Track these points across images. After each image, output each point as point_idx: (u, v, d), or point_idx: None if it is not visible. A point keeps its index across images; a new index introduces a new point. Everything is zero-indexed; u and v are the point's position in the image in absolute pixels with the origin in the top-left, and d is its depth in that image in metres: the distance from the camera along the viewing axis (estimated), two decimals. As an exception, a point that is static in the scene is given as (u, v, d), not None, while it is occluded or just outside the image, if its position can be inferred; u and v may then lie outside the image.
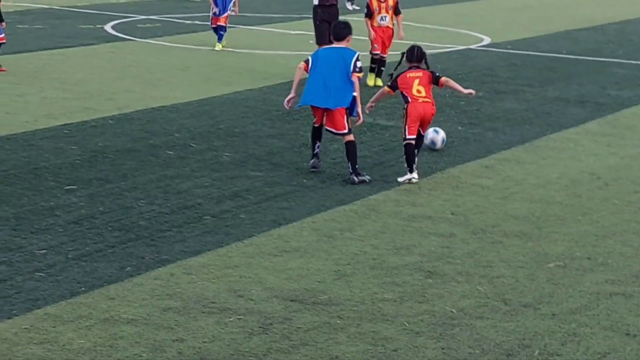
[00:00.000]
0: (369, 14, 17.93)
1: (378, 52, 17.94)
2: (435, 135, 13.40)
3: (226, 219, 10.45)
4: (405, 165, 12.04)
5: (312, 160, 12.42)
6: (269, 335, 7.72)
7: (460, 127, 14.88)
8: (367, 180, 11.95)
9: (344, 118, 12.12)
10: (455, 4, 30.99)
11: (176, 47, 21.90)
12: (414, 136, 12.10)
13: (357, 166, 12.03)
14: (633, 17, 29.85)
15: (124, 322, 7.86)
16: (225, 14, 21.31)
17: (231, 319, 7.98)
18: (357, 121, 12.37)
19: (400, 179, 11.97)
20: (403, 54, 12.56)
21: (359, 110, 12.22)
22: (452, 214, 10.89)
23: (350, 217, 10.66)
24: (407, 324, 7.98)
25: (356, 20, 17.41)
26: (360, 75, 12.18)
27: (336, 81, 12.09)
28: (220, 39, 21.35)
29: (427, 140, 13.02)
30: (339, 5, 18.22)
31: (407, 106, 12.23)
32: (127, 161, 12.59)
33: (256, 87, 17.54)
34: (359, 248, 9.72)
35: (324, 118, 12.24)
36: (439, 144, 13.42)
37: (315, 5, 18.04)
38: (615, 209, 11.23)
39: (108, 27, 24.50)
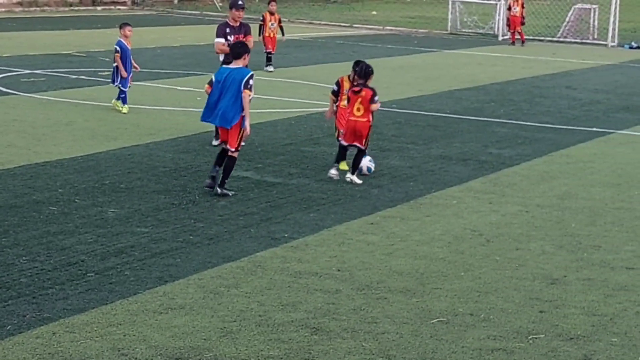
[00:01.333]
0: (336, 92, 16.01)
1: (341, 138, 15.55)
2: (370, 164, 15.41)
3: (110, 276, 10.33)
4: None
5: (208, 181, 13.98)
6: (153, 393, 7.62)
7: (345, 184, 15.00)
8: (230, 195, 13.68)
9: (237, 136, 13.81)
10: (341, 62, 31.35)
11: (61, 101, 21.69)
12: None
13: (226, 180, 13.85)
14: (514, 77, 30.61)
15: (4, 382, 7.68)
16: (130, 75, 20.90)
17: (114, 378, 7.87)
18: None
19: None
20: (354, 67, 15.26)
21: (247, 124, 13.82)
22: (338, 270, 10.95)
23: (237, 274, 10.64)
24: (292, 381, 7.98)
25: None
26: (251, 93, 13.72)
27: (228, 100, 13.67)
28: (125, 101, 20.71)
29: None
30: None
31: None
32: (9, 217, 12.37)
33: (142, 143, 17.45)
34: (245, 305, 9.69)
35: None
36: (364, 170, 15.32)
37: (222, 62, 17.66)
38: (496, 265, 11.43)
39: (-9, 81, 24.14)
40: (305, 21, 49.96)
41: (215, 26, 18.49)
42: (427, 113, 22.57)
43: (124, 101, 20.57)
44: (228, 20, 17.78)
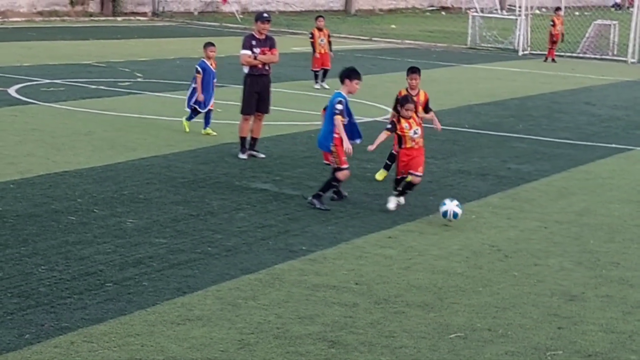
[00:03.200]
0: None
1: None
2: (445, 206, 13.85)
3: (129, 287, 10.35)
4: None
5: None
6: (170, 405, 7.63)
7: (365, 198, 15.01)
8: (316, 206, 14.07)
9: (330, 157, 14.42)
10: (363, 76, 31.32)
11: (80, 111, 21.77)
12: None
13: (320, 193, 14.27)
14: (533, 93, 30.57)
15: (22, 391, 7.70)
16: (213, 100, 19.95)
17: (132, 388, 7.88)
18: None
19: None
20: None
21: (345, 143, 14.24)
22: (356, 283, 10.94)
23: (255, 286, 10.64)
24: (309, 394, 7.97)
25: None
26: (341, 117, 14.13)
27: (324, 125, 14.50)
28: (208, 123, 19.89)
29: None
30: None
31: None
32: (28, 226, 12.41)
33: (161, 154, 17.49)
34: (263, 317, 9.69)
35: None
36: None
37: (246, 75, 17.82)
38: (514, 280, 11.40)
39: (12, 91, 24.28)
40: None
41: (236, 38, 18.61)
42: (446, 127, 22.49)
43: (207, 123, 19.75)
44: (254, 33, 17.83)
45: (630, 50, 43.80)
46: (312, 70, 29.01)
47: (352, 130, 14.37)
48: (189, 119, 19.92)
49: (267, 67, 17.73)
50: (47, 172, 15.55)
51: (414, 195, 15.26)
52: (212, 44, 20.18)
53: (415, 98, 15.85)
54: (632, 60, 43.45)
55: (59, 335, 8.91)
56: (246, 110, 17.76)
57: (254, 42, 17.57)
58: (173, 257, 11.47)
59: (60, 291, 10.07)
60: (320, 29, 29.12)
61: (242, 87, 18.02)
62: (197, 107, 19.71)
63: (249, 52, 17.54)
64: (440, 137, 21.11)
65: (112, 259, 11.25)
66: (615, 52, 45.43)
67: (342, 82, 14.41)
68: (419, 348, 9.11)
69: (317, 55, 28.82)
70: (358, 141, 14.53)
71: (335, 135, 14.14)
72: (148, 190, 14.73)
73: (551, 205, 15.28)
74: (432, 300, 10.53)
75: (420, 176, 14.43)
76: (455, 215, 13.65)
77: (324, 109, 14.87)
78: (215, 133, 19.57)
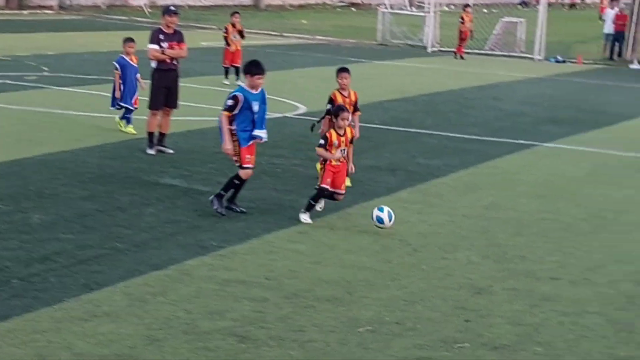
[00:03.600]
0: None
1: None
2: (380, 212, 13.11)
3: (35, 283, 10.20)
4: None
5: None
6: (77, 402, 7.54)
7: (274, 193, 14.99)
8: (216, 210, 13.41)
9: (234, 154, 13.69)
10: (272, 72, 31.32)
11: (-14, 106, 21.39)
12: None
13: (222, 192, 13.60)
14: (442, 89, 30.86)
15: None
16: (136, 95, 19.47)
17: (38, 386, 7.77)
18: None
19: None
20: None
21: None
22: (266, 278, 10.93)
23: (164, 282, 10.56)
24: (218, 390, 7.94)
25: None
26: (226, 113, 13.47)
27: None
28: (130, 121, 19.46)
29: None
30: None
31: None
32: None
33: (69, 149, 17.26)
34: (172, 313, 9.62)
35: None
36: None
37: (154, 69, 17.59)
38: (423, 274, 11.49)
39: None
40: (235, 29, 49.83)
41: (144, 32, 18.41)
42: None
43: (129, 121, 19.33)
44: (162, 27, 17.65)
45: (536, 47, 44.45)
46: (223, 66, 28.92)
47: (259, 126, 13.65)
48: (123, 118, 19.39)
49: (175, 62, 17.58)
50: (-49, 167, 15.26)
51: (324, 190, 15.28)
52: (131, 39, 19.64)
53: (348, 99, 15.80)
54: (539, 58, 44.10)
55: (-37, 332, 8.75)
56: (154, 106, 17.60)
57: (162, 37, 17.41)
58: (81, 253, 11.33)
59: (-36, 288, 9.89)
60: (234, 25, 29.05)
61: (150, 82, 17.86)
62: (123, 104, 19.27)
63: (156, 47, 17.38)
64: (350, 132, 21.17)
65: (18, 255, 11.08)
66: (522, 49, 46.07)
67: (245, 76, 13.80)
68: (328, 342, 9.14)
69: (227, 49, 28.68)
70: (262, 138, 13.78)
71: (234, 133, 13.58)
72: (55, 185, 14.53)
73: (460, 200, 15.44)
74: (342, 294, 10.56)
75: (343, 194, 13.80)
76: (379, 219, 13.00)
77: None
78: (130, 130, 19.23)
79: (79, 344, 8.66)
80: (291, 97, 25.58)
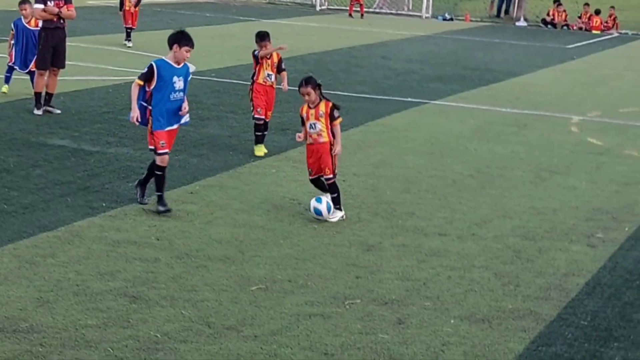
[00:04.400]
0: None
1: (262, 116, 15.55)
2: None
3: None
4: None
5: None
6: (-33, 366, 7.47)
7: (164, 153, 14.91)
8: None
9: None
10: (159, 30, 31.04)
11: None
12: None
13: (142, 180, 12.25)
14: (331, 48, 30.94)
15: None
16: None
17: None
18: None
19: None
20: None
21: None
22: (157, 239, 10.91)
23: (54, 243, 10.48)
24: (111, 350, 7.94)
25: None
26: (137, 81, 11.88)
27: None
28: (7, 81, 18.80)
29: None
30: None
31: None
32: None
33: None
34: (62, 274, 9.57)
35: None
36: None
37: (40, 29, 17.23)
38: (314, 232, 11.60)
39: None
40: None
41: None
42: (246, 82, 22.47)
43: (7, 80, 18.65)
44: (47, -17, 17.32)
45: (424, 5, 44.85)
46: (125, 27, 28.11)
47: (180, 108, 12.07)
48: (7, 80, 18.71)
49: (62, 21, 17.31)
50: None
51: (214, 150, 15.29)
52: (24, 1, 18.36)
53: (269, 60, 15.71)
54: (426, 16, 44.51)
55: None
56: (41, 65, 17.33)
57: (47, -6, 17.09)
58: (-33, 216, 11.17)
59: None
60: None
61: (37, 42, 17.56)
62: (14, 66, 18.46)
63: (41, 6, 17.07)
64: (239, 92, 21.17)
65: None
66: (410, 8, 46.43)
67: (170, 47, 11.98)
68: (221, 301, 9.19)
69: (122, 13, 27.90)
70: (188, 123, 12.51)
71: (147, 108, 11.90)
72: (-61, 147, 14.24)
73: (349, 159, 15.57)
74: (234, 253, 10.62)
75: (332, 178, 12.31)
76: (317, 211, 12.05)
77: None
78: (5, 91, 18.78)
79: (-33, 308, 8.56)
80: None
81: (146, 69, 11.83)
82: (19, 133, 15.51)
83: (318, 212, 12.08)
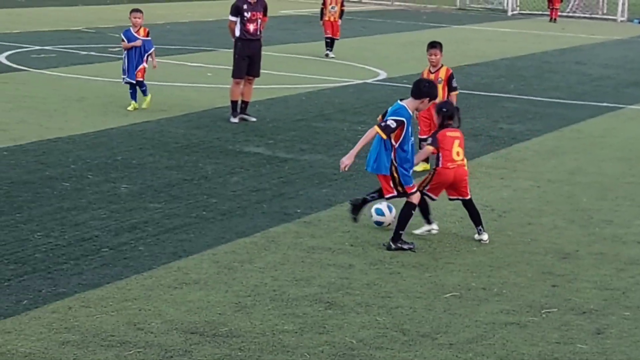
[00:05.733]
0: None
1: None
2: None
3: (124, 252, 10.38)
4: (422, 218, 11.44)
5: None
6: (169, 367, 7.69)
7: (357, 160, 14.98)
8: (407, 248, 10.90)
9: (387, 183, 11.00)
10: (351, 38, 31.32)
11: (71, 77, 21.71)
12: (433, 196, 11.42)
13: (401, 231, 10.90)
14: (523, 53, 30.55)
15: (21, 356, 7.74)
16: (141, 67, 18.14)
17: (131, 352, 7.92)
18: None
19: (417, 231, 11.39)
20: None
21: (351, 152, 10.95)
22: (351, 245, 10.98)
23: (250, 249, 10.68)
24: (307, 355, 8.03)
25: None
26: (381, 132, 10.74)
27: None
28: (145, 92, 18.36)
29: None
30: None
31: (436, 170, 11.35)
32: (22, 193, 12.41)
33: (154, 119, 17.47)
34: (259, 280, 9.74)
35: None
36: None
37: (237, 38, 17.73)
38: (508, 240, 11.46)
39: (2, 58, 24.18)
40: (313, -3, 49.89)
41: (226, 1, 18.46)
42: (437, 88, 22.53)
43: (133, 96, 18.31)
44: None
45: (619, 8, 43.76)
46: (325, 37, 27.89)
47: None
48: (142, 93, 18.36)
49: (258, 32, 17.70)
50: (40, 138, 15.53)
51: (407, 157, 15.24)
52: (136, 10, 18.34)
53: (434, 76, 14.37)
54: (622, 19, 43.41)
55: (56, 300, 8.94)
56: (237, 74, 17.75)
57: (245, 6, 17.51)
58: (168, 222, 11.49)
59: (57, 257, 10.09)
60: None
61: (232, 51, 17.99)
62: (126, 78, 18.20)
63: (233, 19, 17.51)
64: (431, 98, 21.11)
65: (107, 225, 11.27)
66: (604, 11, 45.38)
67: (418, 97, 10.91)
68: (415, 308, 9.17)
69: (322, 23, 27.74)
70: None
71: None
72: (141, 155, 14.73)
73: (543, 165, 15.33)
74: (427, 260, 10.58)
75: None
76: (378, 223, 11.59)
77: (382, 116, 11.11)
78: (132, 109, 18.17)
79: (169, 311, 8.81)
80: (371, 63, 25.55)
81: (395, 124, 10.70)
82: (216, 141, 15.90)
83: (379, 224, 11.54)
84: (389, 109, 10.96)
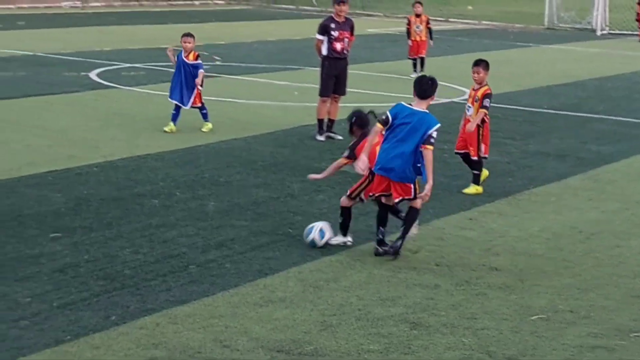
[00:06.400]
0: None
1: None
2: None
3: (211, 269, 10.48)
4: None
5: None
6: (255, 385, 7.73)
7: (442, 179, 14.97)
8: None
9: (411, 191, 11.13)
10: (437, 57, 31.26)
11: (160, 95, 21.96)
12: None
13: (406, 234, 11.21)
14: (612, 73, 30.18)
15: (110, 371, 7.86)
16: (195, 92, 18.01)
17: (217, 369, 7.99)
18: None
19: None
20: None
21: (429, 186, 10.97)
22: (437, 265, 10.95)
23: (336, 268, 10.71)
24: (392, 375, 8.02)
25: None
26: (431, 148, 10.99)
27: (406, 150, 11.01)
28: (206, 117, 18.32)
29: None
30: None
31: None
32: (112, 209, 12.61)
33: (241, 137, 17.63)
34: (345, 299, 9.75)
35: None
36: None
37: (324, 57, 17.90)
38: (596, 262, 11.32)
39: (93, 75, 24.63)
40: (400, 15, 49.83)
41: (312, 20, 18.67)
42: (524, 108, 22.41)
43: (174, 118, 18.05)
44: (333, 16, 17.91)
45: None
46: (409, 58, 28.19)
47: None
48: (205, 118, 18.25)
49: (345, 51, 17.80)
50: (130, 155, 15.78)
51: (493, 177, 15.18)
52: (187, 35, 18.26)
53: (475, 93, 14.33)
54: None
55: (144, 316, 9.06)
56: (324, 93, 17.87)
57: (333, 25, 17.65)
58: (254, 240, 11.58)
59: (145, 273, 10.23)
60: (418, 15, 28.03)
61: (318, 69, 18.09)
62: (170, 99, 18.12)
63: (320, 37, 17.67)
64: (518, 118, 21.01)
65: (194, 242, 11.39)
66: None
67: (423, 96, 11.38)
68: (501, 330, 9.11)
69: (410, 42, 27.67)
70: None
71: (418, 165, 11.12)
72: (228, 173, 14.87)
73: (632, 187, 15.13)
74: (513, 282, 10.50)
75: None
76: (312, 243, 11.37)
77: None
78: (168, 130, 17.94)
79: (255, 329, 8.86)
80: (458, 82, 25.45)
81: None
82: (302, 160, 15.98)
83: (313, 244, 11.32)
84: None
